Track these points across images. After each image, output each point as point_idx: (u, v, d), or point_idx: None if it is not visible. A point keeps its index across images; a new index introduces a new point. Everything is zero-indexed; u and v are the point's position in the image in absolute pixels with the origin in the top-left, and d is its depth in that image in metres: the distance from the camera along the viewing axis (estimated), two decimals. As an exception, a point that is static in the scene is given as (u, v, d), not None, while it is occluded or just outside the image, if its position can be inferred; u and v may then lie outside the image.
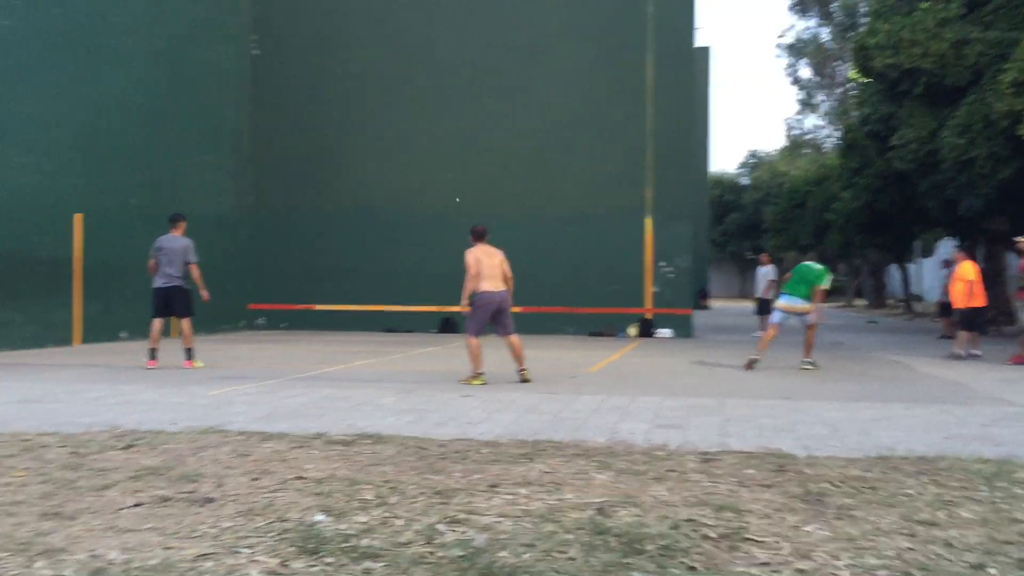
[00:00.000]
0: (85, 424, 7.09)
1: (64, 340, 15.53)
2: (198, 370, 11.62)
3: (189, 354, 11.98)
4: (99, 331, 16.19)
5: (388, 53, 21.24)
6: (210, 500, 4.58)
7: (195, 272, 12.03)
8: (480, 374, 10.19)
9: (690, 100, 20.62)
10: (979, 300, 14.53)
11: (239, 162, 21.24)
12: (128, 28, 17.32)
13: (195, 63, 19.44)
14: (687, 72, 20.34)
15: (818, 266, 12.54)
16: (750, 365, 12.23)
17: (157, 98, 18.09)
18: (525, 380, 10.32)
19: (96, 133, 16.44)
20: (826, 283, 12.34)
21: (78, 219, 15.79)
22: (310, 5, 21.68)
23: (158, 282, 11.87)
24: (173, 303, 11.92)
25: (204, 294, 12.11)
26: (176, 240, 11.98)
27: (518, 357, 10.49)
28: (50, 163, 15.35)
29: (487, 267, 10.26)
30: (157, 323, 11.98)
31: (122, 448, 5.96)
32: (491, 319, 10.35)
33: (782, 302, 12.51)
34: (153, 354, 11.88)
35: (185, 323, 12.08)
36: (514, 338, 10.46)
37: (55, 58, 15.45)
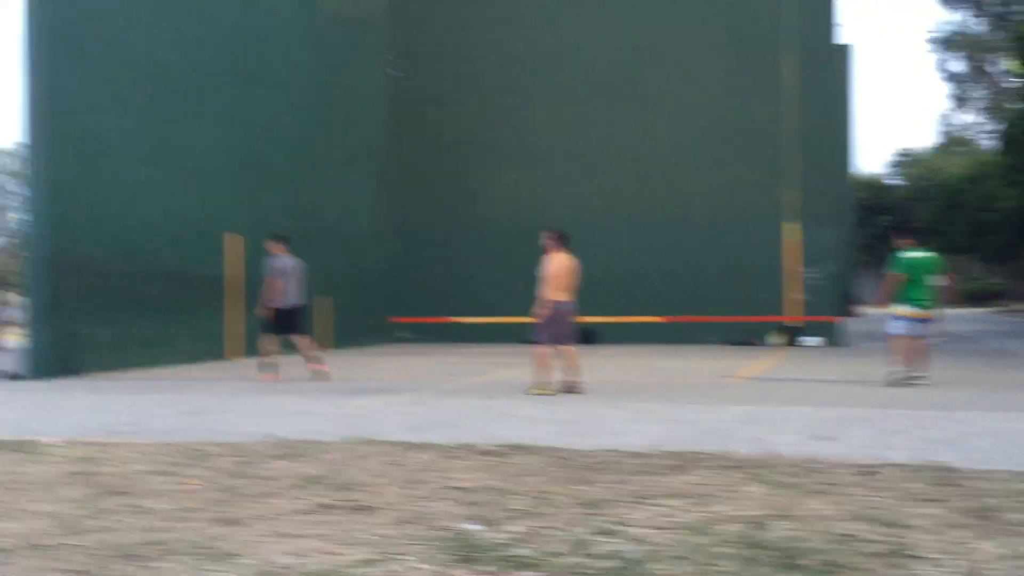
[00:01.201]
0: (247, 434, 7.45)
1: (218, 354, 16.32)
2: (343, 382, 12.06)
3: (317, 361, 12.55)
4: (249, 345, 16.94)
5: (522, 66, 21.48)
6: (369, 508, 4.74)
7: None
8: (548, 384, 10.04)
9: (831, 100, 19.99)
10: None
11: (381, 180, 21.90)
12: (281, 56, 18.16)
13: (341, 86, 20.19)
14: (827, 71, 19.73)
15: (927, 252, 11.00)
16: (904, 382, 10.70)
17: (306, 121, 18.89)
18: (577, 393, 10.06)
19: (250, 156, 17.28)
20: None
21: (228, 238, 16.56)
22: (445, 23, 22.17)
23: (290, 301, 12.36)
24: (299, 321, 12.54)
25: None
26: (298, 261, 12.56)
27: (575, 368, 10.26)
28: (208, 185, 16.21)
29: (567, 277, 10.16)
30: (275, 339, 12.59)
31: (284, 457, 6.23)
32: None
33: (907, 309, 10.83)
34: (265, 367, 12.49)
35: (306, 338, 12.70)
36: (574, 349, 10.28)
37: (212, 87, 16.34)
